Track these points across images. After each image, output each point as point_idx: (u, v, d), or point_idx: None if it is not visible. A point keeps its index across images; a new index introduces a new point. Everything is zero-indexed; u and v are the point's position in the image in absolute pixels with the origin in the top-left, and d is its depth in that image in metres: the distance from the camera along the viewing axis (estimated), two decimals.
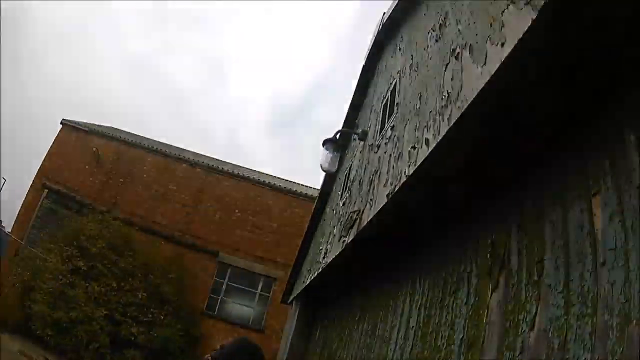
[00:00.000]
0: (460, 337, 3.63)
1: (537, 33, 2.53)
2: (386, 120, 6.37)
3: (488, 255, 3.52)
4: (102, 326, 16.64)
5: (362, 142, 8.00)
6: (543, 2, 2.40)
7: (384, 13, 8.24)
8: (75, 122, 24.33)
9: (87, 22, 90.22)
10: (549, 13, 2.40)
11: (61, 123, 24.18)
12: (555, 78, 2.84)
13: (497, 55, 2.90)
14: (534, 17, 2.47)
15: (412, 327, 4.80)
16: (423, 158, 4.01)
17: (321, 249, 9.08)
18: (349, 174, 8.53)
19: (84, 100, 79.07)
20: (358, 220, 6.07)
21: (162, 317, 18.13)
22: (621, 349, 2.01)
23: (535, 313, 2.70)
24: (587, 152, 2.62)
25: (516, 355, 2.78)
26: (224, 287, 22.14)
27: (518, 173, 3.40)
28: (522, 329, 2.79)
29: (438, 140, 3.70)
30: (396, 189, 4.60)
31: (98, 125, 26.26)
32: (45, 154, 23.64)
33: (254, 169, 28.09)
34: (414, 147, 4.39)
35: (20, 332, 16.11)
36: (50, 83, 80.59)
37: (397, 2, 7.09)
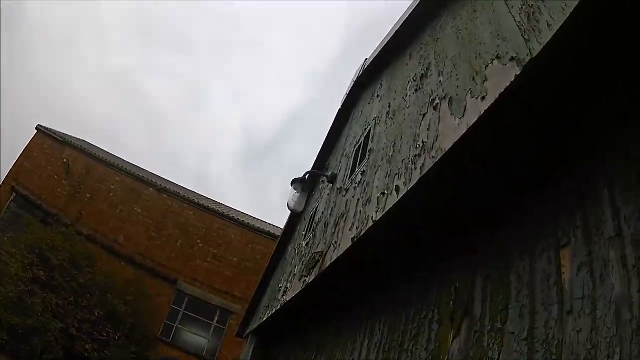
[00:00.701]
0: None
1: (519, 89, 2.56)
2: (357, 165, 6.38)
3: (451, 303, 3.50)
4: (57, 339, 16.28)
5: (330, 185, 7.99)
6: (529, 58, 2.43)
7: (366, 59, 8.28)
8: (49, 130, 24.15)
9: (75, 31, 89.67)
10: (533, 70, 2.43)
11: (36, 129, 23.97)
12: (533, 132, 2.88)
13: (477, 108, 2.96)
14: (518, 73, 2.50)
15: None
16: (392, 204, 4.02)
17: (281, 287, 8.97)
18: (314, 215, 8.49)
19: (60, 108, 78.73)
20: (321, 262, 6.01)
21: (116, 338, 17.85)
22: None
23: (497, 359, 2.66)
24: (560, 205, 2.64)
25: None
26: (180, 315, 21.91)
27: (487, 222, 3.41)
28: None
29: (409, 188, 3.73)
30: (362, 233, 4.59)
31: (72, 136, 26.07)
32: (17, 157, 23.29)
33: (220, 202, 27.94)
34: (383, 194, 4.41)
35: None
36: (30, 87, 79.30)
37: (380, 48, 7.14)
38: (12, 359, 15.26)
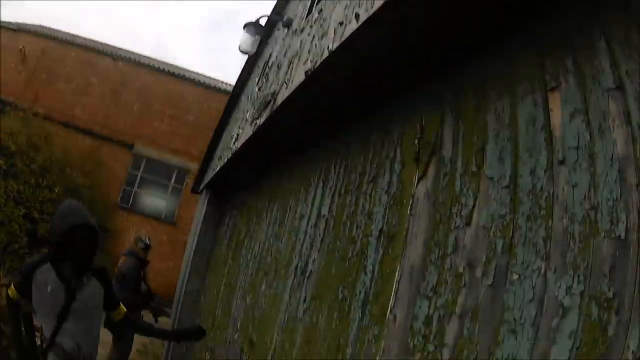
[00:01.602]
0: (379, 227, 3.24)
1: None
2: (314, 5, 5.70)
3: (416, 141, 3.10)
4: (20, 226, 15.80)
5: (286, 30, 7.36)
6: None
7: None
8: (3, 22, 22.59)
9: None
10: None
11: None
12: None
13: None
14: None
15: (324, 215, 4.40)
16: (350, 32, 3.46)
17: (233, 135, 8.64)
18: (268, 60, 7.96)
19: None
20: (272, 102, 5.59)
21: None
22: (585, 263, 1.68)
23: (473, 207, 2.33)
24: (546, 46, 2.22)
25: (448, 252, 2.42)
26: (138, 179, 21.83)
27: (458, 55, 2.93)
28: (455, 223, 2.42)
29: (370, 13, 3.16)
30: (316, 65, 4.08)
31: (26, 23, 24.45)
32: None
33: (177, 65, 27.14)
34: (341, 24, 3.82)
35: None
36: None
37: None
38: None
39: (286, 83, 5.09)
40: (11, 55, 21.74)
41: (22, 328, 4.56)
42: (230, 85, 23.41)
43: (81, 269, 4.40)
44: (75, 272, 4.36)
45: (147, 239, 10.25)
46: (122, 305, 4.96)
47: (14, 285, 4.45)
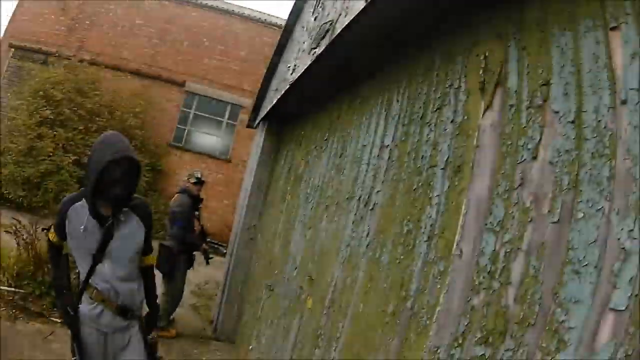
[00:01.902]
0: (445, 158, 3.26)
1: None
2: None
3: (481, 71, 3.06)
4: (70, 173, 16.45)
5: None
6: None
7: None
8: None
9: None
10: None
11: None
12: None
13: None
14: None
15: (387, 145, 4.39)
16: None
17: (289, 66, 8.47)
18: None
19: None
20: (331, 31, 5.46)
21: None
22: None
23: (539, 141, 2.36)
24: None
25: (514, 186, 2.47)
26: (191, 116, 22.12)
27: None
28: (522, 156, 2.45)
29: None
30: None
31: None
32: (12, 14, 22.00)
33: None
34: None
35: None
36: None
37: None
38: (29, 213, 13.96)
39: (345, 11, 5.00)
40: (51, 8, 21.80)
41: (62, 271, 4.56)
42: (280, 19, 23.25)
43: (120, 206, 4.30)
44: (113, 209, 4.26)
45: (199, 174, 10.01)
46: (151, 255, 4.89)
47: (53, 228, 4.45)
